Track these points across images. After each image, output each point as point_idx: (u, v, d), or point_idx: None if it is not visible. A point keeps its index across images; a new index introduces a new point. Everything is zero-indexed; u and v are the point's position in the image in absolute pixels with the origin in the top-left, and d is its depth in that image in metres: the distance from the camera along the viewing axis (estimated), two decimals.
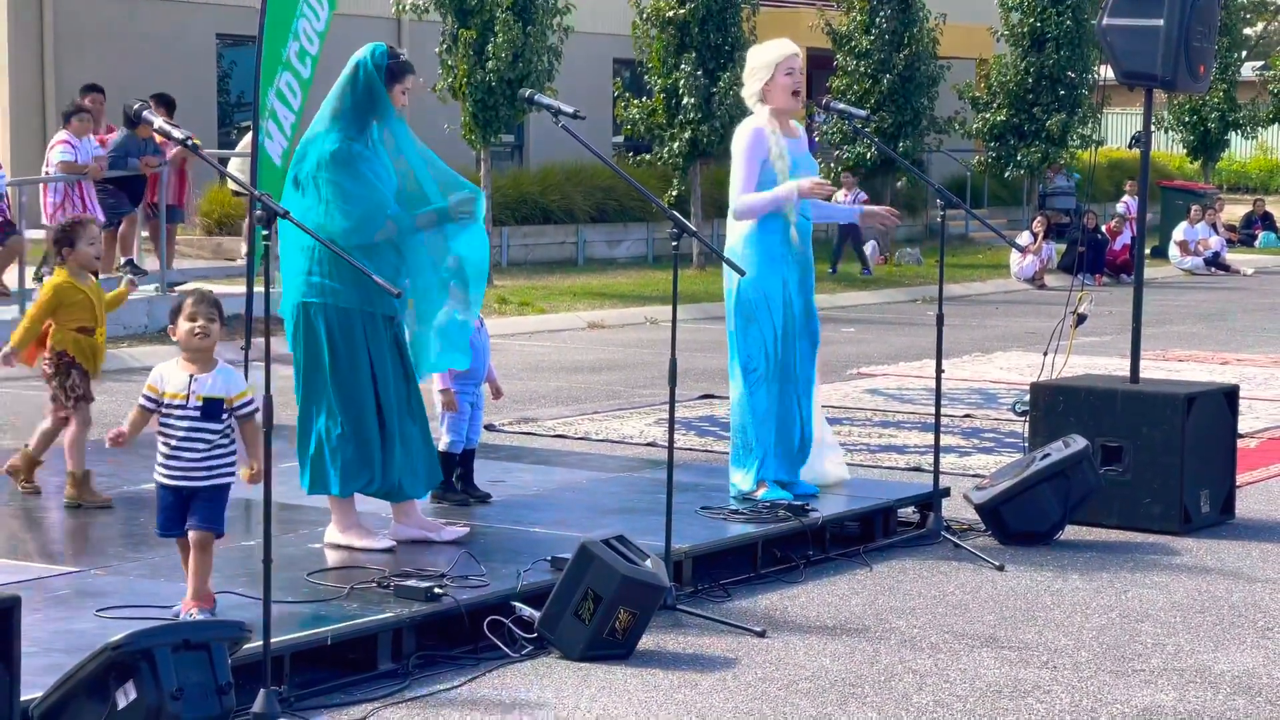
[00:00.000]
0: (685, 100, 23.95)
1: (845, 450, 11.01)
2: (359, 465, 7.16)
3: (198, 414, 6.13)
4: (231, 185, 19.98)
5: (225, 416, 6.16)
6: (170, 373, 6.18)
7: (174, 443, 6.15)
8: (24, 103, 23.18)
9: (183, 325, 6.17)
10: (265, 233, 5.68)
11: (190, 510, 6.16)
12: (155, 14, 24.09)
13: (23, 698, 4.96)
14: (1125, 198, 30.78)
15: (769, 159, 8.38)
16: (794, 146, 8.50)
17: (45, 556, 7.09)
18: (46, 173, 16.47)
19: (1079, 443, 8.66)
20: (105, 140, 16.83)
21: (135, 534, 7.61)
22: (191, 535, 6.17)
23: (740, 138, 8.46)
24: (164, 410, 6.15)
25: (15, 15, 23.27)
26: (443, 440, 8.13)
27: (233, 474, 6.22)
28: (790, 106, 8.52)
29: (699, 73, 23.94)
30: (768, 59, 8.51)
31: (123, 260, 17.06)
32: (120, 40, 23.91)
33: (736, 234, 8.49)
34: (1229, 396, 9.30)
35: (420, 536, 7.35)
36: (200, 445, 6.14)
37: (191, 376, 6.14)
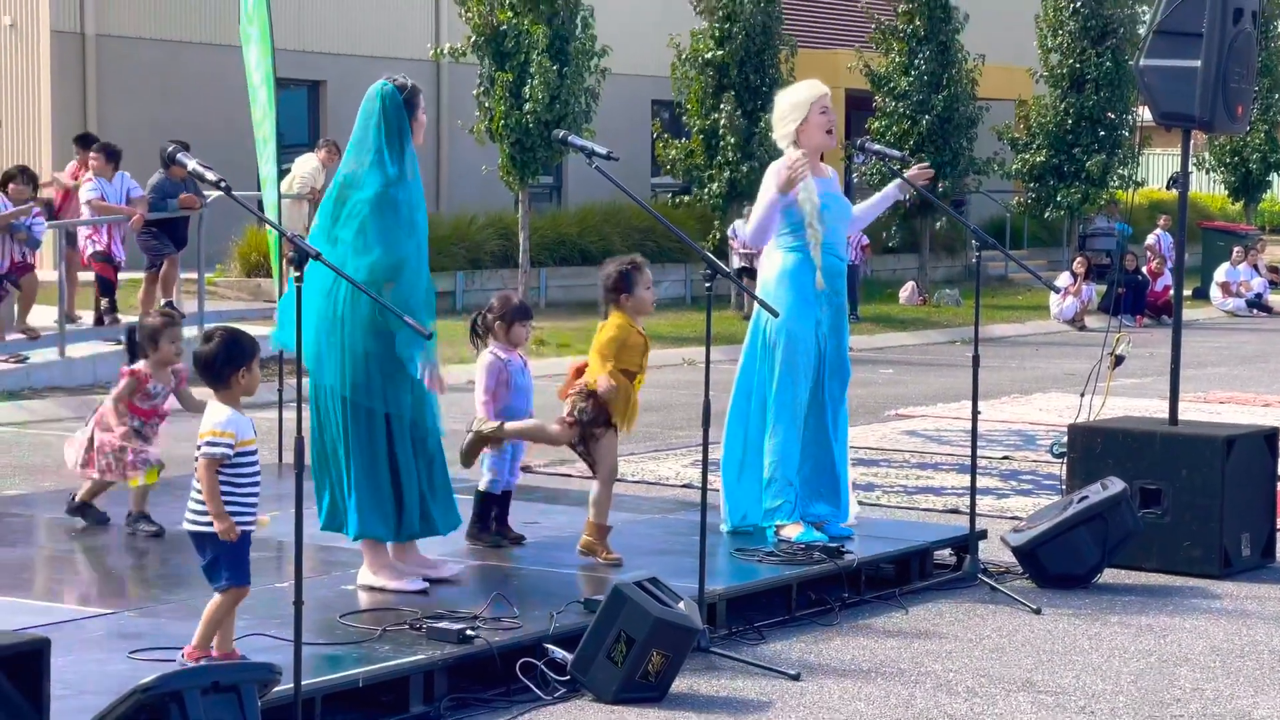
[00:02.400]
0: (724, 141, 23.97)
1: (881, 491, 10.99)
2: (374, 509, 7.18)
3: (258, 457, 6.09)
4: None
5: None
6: (236, 419, 5.97)
7: (255, 487, 6.00)
8: (68, 144, 23.34)
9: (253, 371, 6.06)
10: (298, 274, 5.70)
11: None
12: (196, 56, 24.25)
13: None
14: (1157, 230, 30.61)
15: (796, 200, 8.37)
16: (824, 186, 8.49)
17: (79, 598, 7.09)
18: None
19: (1117, 485, 8.59)
20: (77, 174, 17.00)
21: (170, 575, 7.61)
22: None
23: (768, 176, 8.49)
24: (239, 459, 5.95)
25: (59, 59, 23.46)
26: (483, 479, 8.13)
27: None
28: (826, 145, 8.51)
29: (738, 114, 23.96)
30: (800, 99, 8.51)
31: (162, 301, 17.14)
32: (162, 82, 24.08)
33: (770, 273, 8.49)
34: (1269, 439, 9.22)
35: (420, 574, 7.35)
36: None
37: (251, 421, 6.05)
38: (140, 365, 8.30)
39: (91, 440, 8.30)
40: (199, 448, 5.94)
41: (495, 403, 8.01)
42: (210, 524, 5.90)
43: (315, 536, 7.37)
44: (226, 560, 5.91)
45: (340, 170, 7.33)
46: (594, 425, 7.81)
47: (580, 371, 7.94)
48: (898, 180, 8.79)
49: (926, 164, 8.90)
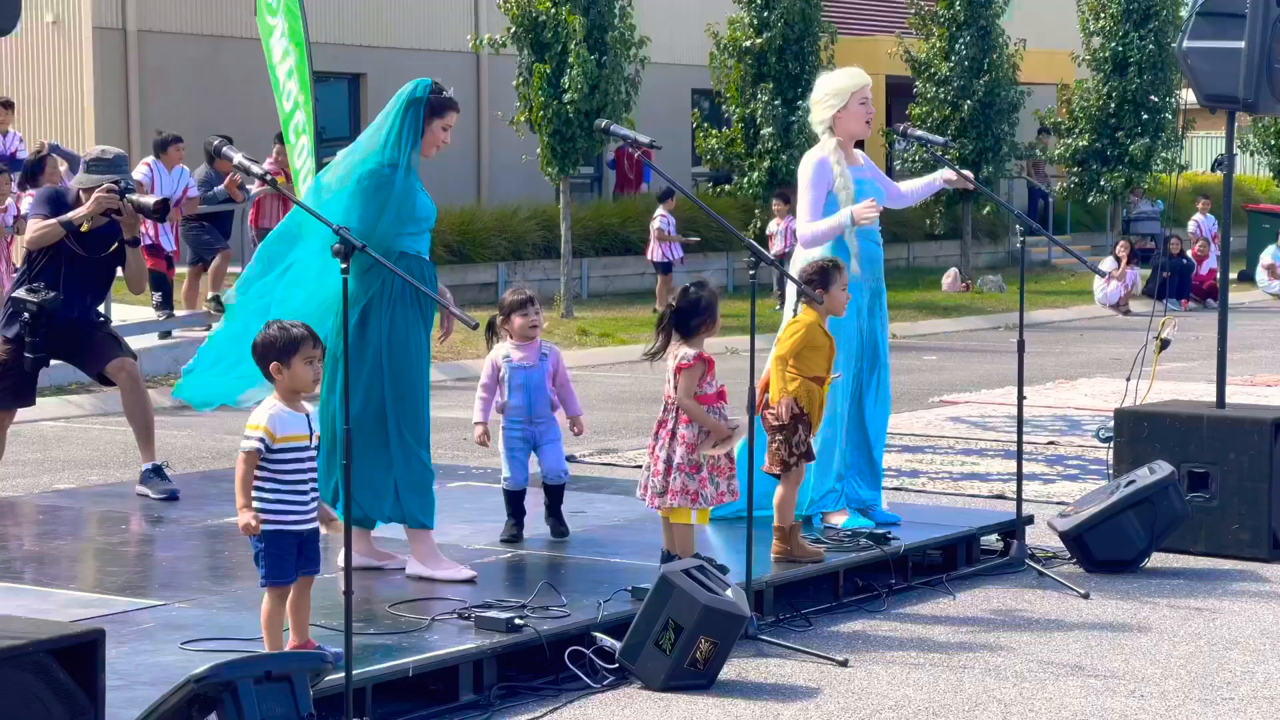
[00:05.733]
0: (763, 130, 23.94)
1: (927, 478, 10.98)
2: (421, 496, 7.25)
3: (316, 452, 5.93)
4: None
5: None
6: (277, 414, 5.84)
7: (302, 485, 5.85)
8: (110, 141, 23.49)
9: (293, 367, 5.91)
10: (344, 266, 5.72)
11: (301, 554, 5.89)
12: (237, 52, 24.32)
13: None
14: (1196, 216, 30.43)
15: (833, 189, 8.38)
16: (857, 173, 8.51)
17: (131, 590, 7.14)
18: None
19: (1164, 469, 8.56)
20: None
21: (219, 567, 7.67)
22: (304, 579, 5.95)
23: (805, 169, 8.49)
24: (279, 454, 5.81)
25: (101, 56, 23.59)
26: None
27: None
28: (862, 134, 8.53)
29: (777, 102, 23.92)
30: (841, 86, 8.50)
31: (210, 295, 17.23)
32: (203, 78, 24.18)
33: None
34: None
35: (368, 565, 7.32)
36: (315, 484, 5.94)
37: (307, 415, 5.91)
38: None
39: None
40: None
41: (495, 401, 7.94)
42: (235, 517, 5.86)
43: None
44: (264, 556, 5.85)
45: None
46: (799, 446, 7.68)
47: (766, 386, 7.74)
48: (944, 172, 8.80)
49: (970, 175, 8.91)
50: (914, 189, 8.93)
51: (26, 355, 8.97)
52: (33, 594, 7.00)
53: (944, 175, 8.78)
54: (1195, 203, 31.73)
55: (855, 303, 8.44)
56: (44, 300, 8.92)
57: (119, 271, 9.40)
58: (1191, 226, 29.81)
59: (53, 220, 8.99)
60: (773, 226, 22.63)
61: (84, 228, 8.97)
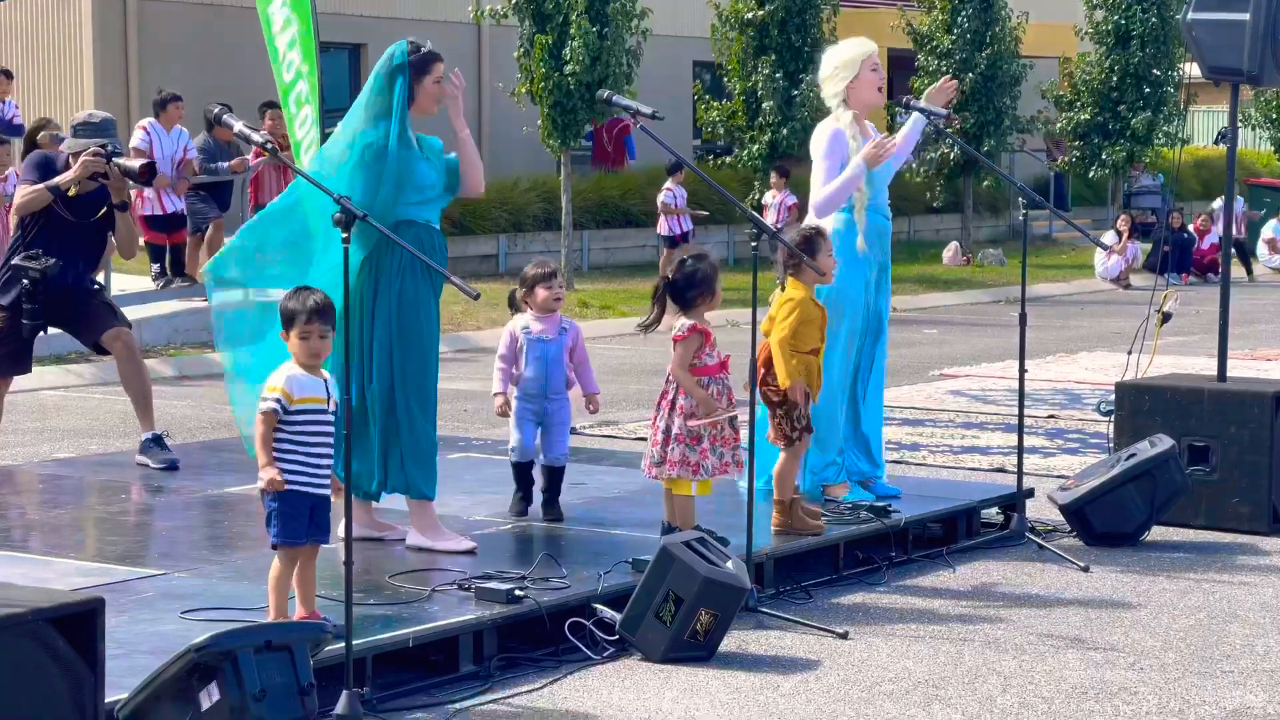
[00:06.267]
0: (765, 103, 23.89)
1: (927, 451, 10.98)
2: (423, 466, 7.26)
3: (334, 418, 5.96)
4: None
5: None
6: (293, 377, 5.90)
7: (315, 448, 5.89)
8: (109, 109, 23.44)
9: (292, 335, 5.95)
10: (345, 235, 5.71)
11: (312, 520, 5.93)
12: (237, 21, 24.23)
13: (108, 699, 4.99)
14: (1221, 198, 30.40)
15: (847, 160, 8.33)
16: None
17: (131, 559, 7.14)
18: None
19: (1165, 443, 8.56)
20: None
21: (218, 537, 7.66)
22: (311, 546, 5.98)
23: (819, 139, 8.41)
24: (296, 415, 5.86)
25: (100, 26, 23.52)
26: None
27: None
28: (876, 102, 8.47)
29: (778, 75, 23.87)
30: (850, 56, 8.45)
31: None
32: (203, 48, 24.12)
33: None
34: None
35: (368, 536, 7.31)
36: (332, 451, 5.97)
37: (326, 380, 5.95)
38: None
39: None
40: None
41: (512, 372, 7.85)
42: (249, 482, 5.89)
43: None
44: (278, 515, 5.89)
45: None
46: (800, 420, 7.67)
47: (768, 362, 7.68)
48: (914, 112, 8.58)
49: (949, 76, 8.77)
50: (906, 137, 8.72)
51: (24, 322, 8.96)
52: (32, 562, 6.99)
53: (915, 115, 8.60)
54: (1209, 182, 31.69)
55: (864, 277, 8.41)
56: (46, 267, 8.90)
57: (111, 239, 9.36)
58: (1218, 204, 29.75)
59: (40, 185, 8.97)
60: (768, 198, 22.56)
61: (71, 192, 8.93)
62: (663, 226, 22.33)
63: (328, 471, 5.96)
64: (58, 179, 8.96)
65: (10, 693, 4.66)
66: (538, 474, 7.99)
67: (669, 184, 22.34)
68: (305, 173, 6.74)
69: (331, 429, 5.96)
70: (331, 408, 5.95)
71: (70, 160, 9.05)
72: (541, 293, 7.85)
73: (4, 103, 19.14)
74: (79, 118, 9.46)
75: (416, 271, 7.14)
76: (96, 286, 9.42)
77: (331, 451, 5.97)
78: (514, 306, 8.01)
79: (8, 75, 19.54)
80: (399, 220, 7.10)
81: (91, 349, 9.61)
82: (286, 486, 5.85)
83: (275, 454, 5.87)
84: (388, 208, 7.06)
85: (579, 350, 7.98)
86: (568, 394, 7.97)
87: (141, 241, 17.29)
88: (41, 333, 9.14)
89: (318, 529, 5.96)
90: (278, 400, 5.87)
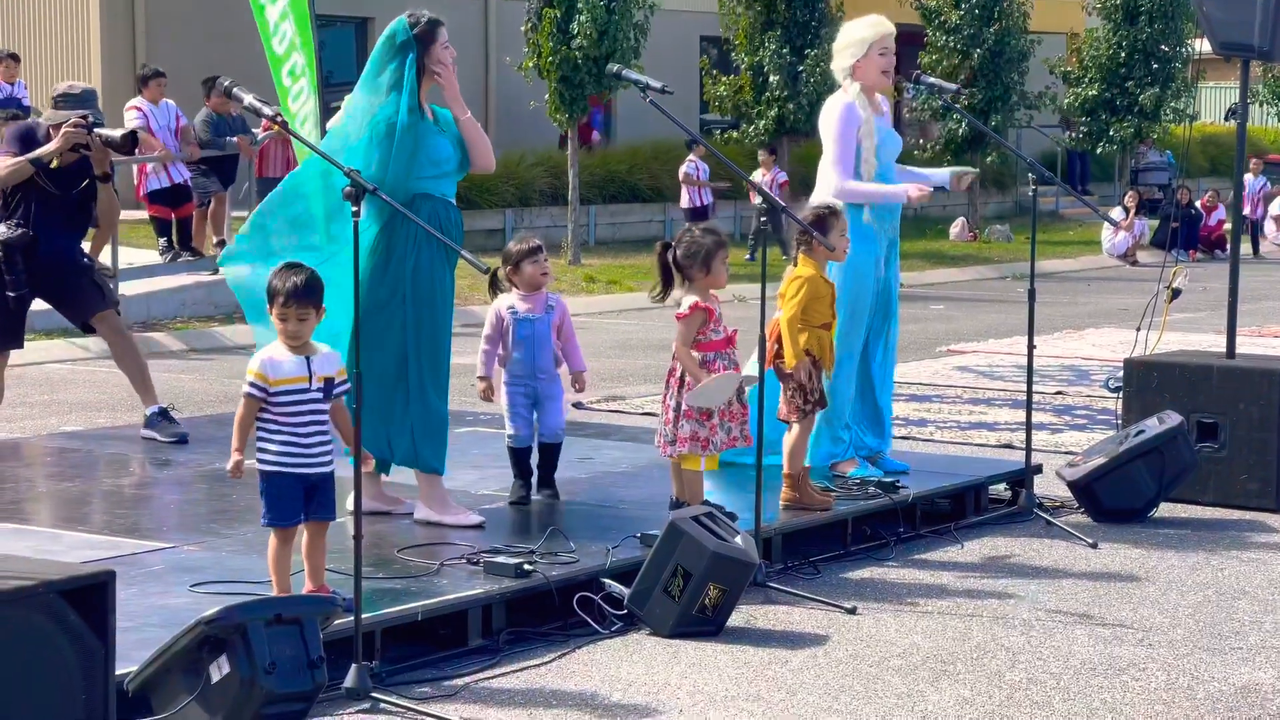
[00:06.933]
0: (771, 78, 23.84)
1: (935, 427, 10.97)
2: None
3: (320, 396, 5.87)
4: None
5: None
6: (271, 359, 5.84)
7: (299, 429, 5.83)
8: (116, 88, 23.40)
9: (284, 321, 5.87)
10: (355, 209, 5.70)
11: (310, 499, 5.88)
12: None
13: (118, 671, 5.00)
14: (1246, 176, 30.25)
15: (859, 135, 8.32)
16: (880, 122, 8.45)
17: (140, 532, 7.15)
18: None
19: (1173, 419, 8.55)
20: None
21: (227, 510, 7.67)
22: (315, 524, 5.94)
23: (832, 114, 8.38)
24: (278, 397, 5.81)
25: (107, 2, 23.50)
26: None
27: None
28: (880, 84, 8.45)
29: (785, 50, 23.82)
30: (863, 35, 8.42)
31: (215, 240, 17.19)
32: (209, 24, 24.08)
33: None
34: None
35: (376, 509, 7.28)
36: (325, 429, 5.90)
37: (308, 358, 5.86)
38: None
39: None
40: None
41: (497, 353, 7.71)
42: (255, 459, 5.87)
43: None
44: (265, 496, 5.88)
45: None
46: (813, 394, 7.67)
47: (777, 336, 7.66)
48: (950, 174, 8.78)
49: (975, 171, 8.86)
50: (917, 174, 8.79)
51: (8, 294, 8.95)
52: (42, 535, 7.01)
53: (949, 176, 8.76)
54: (1217, 159, 31.58)
55: (875, 253, 8.39)
56: (11, 237, 8.88)
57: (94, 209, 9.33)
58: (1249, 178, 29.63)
59: (22, 158, 8.95)
60: (756, 176, 22.53)
61: (53, 164, 8.91)
62: (685, 199, 22.83)
63: (321, 450, 5.88)
64: (39, 151, 8.94)
65: (21, 665, 4.67)
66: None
67: (691, 157, 22.65)
68: (313, 145, 6.73)
69: (320, 406, 5.87)
70: (315, 385, 5.85)
71: (51, 132, 9.03)
72: (528, 269, 7.66)
73: (14, 84, 19.20)
74: (59, 89, 9.44)
75: (433, 244, 7.11)
76: (86, 260, 9.39)
77: (326, 429, 5.90)
78: (497, 287, 7.76)
79: (15, 58, 19.60)
80: (415, 194, 7.08)
81: (80, 328, 9.60)
82: (263, 470, 5.81)
83: (262, 436, 5.83)
84: (400, 181, 7.04)
85: (566, 327, 7.79)
86: (557, 371, 7.82)
87: (146, 216, 17.30)
88: (28, 304, 9.13)
89: (319, 507, 5.91)
90: (253, 384, 5.82)
